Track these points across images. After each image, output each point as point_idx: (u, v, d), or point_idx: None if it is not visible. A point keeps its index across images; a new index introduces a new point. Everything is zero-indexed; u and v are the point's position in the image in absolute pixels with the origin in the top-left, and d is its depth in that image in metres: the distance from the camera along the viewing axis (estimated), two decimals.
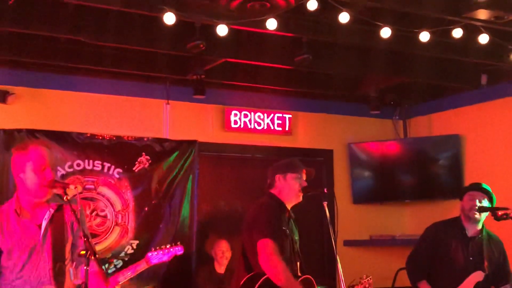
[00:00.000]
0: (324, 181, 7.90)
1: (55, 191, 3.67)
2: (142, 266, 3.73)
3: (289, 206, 4.64)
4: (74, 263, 3.77)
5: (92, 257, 3.29)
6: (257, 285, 4.26)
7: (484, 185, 5.31)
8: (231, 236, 6.73)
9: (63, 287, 3.66)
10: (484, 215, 5.18)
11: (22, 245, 3.59)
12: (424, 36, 5.65)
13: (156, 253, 3.79)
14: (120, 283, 3.61)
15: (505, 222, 5.00)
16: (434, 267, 5.26)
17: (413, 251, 5.45)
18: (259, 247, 4.32)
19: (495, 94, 7.20)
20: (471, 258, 5.14)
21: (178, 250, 3.85)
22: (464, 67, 7.00)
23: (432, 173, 7.79)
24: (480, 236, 5.21)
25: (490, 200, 5.19)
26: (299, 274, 4.58)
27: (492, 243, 5.25)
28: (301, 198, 4.63)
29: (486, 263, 5.13)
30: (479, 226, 5.22)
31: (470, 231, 5.22)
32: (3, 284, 3.57)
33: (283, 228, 4.47)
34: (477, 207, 5.13)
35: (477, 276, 5.08)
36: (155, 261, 3.77)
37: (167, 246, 3.81)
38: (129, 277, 3.66)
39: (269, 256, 4.27)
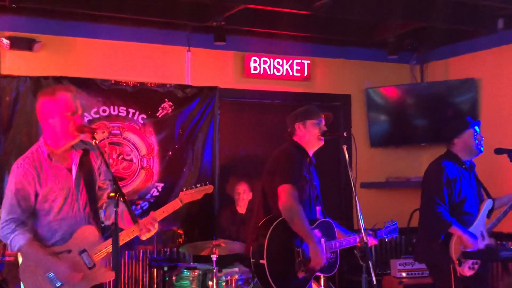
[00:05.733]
0: (341, 125, 8.00)
1: (83, 136, 3.73)
2: (176, 204, 3.90)
3: (311, 152, 4.72)
4: (104, 204, 3.92)
5: (121, 199, 3.39)
6: (273, 226, 4.38)
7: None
8: (251, 179, 6.90)
9: (100, 226, 3.81)
10: None
11: (56, 189, 3.69)
12: None
13: (189, 192, 3.96)
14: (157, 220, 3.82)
15: None
16: (451, 207, 5.08)
17: (430, 199, 5.06)
18: (279, 192, 4.45)
19: (511, 38, 7.19)
20: (475, 189, 5.21)
21: (208, 188, 4.01)
22: (481, 11, 6.97)
23: (448, 116, 7.83)
24: (472, 166, 5.28)
25: None
26: (318, 217, 4.71)
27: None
28: (322, 142, 4.69)
29: (486, 191, 5.25)
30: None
31: (468, 164, 5.22)
32: (39, 226, 3.70)
33: (304, 173, 4.58)
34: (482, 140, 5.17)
35: (488, 204, 5.18)
36: (189, 198, 3.94)
37: (197, 186, 3.98)
38: (164, 216, 3.84)
39: (288, 200, 4.40)
